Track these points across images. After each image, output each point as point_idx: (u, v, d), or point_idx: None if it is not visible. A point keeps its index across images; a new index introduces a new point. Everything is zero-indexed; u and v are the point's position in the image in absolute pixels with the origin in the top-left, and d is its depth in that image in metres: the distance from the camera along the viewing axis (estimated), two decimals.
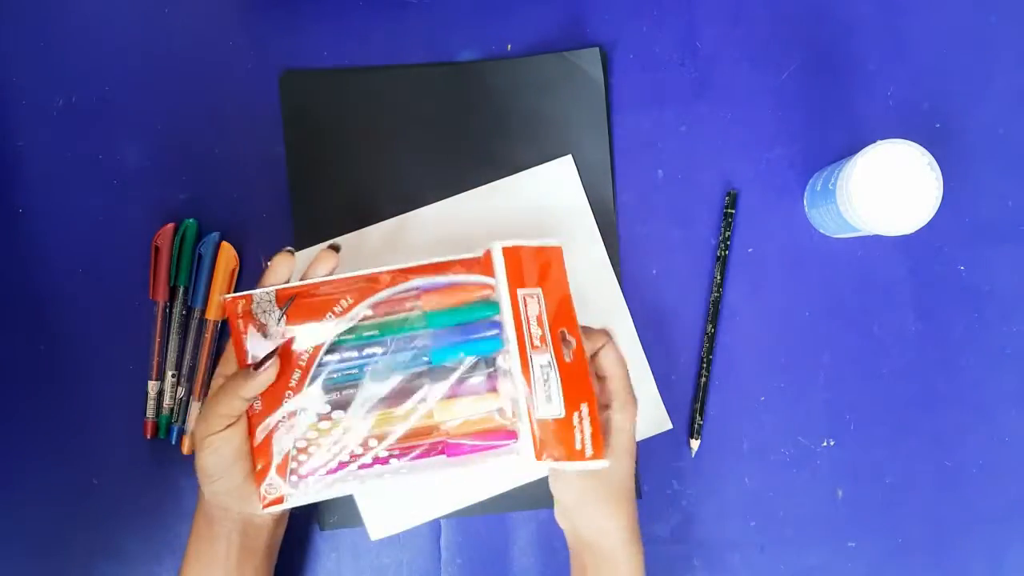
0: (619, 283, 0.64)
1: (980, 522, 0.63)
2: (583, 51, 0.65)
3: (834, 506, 0.63)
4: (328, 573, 0.64)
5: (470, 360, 0.53)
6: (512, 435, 0.53)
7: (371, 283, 0.53)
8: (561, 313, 0.53)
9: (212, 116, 0.65)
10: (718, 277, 0.64)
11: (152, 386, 0.64)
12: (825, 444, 0.64)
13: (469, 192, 0.64)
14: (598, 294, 0.64)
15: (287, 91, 0.65)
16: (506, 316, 0.51)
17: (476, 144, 0.65)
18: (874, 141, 0.55)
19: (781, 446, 0.64)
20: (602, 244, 0.64)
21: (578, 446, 0.51)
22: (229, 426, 0.52)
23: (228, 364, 0.55)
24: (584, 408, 0.51)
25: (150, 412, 0.64)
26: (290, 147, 0.65)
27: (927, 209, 0.54)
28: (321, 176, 0.65)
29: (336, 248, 0.56)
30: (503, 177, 0.64)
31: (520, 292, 0.52)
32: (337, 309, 0.53)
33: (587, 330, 0.54)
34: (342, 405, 0.53)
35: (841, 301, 0.64)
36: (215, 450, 0.52)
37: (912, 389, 0.64)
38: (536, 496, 0.63)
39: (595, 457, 0.51)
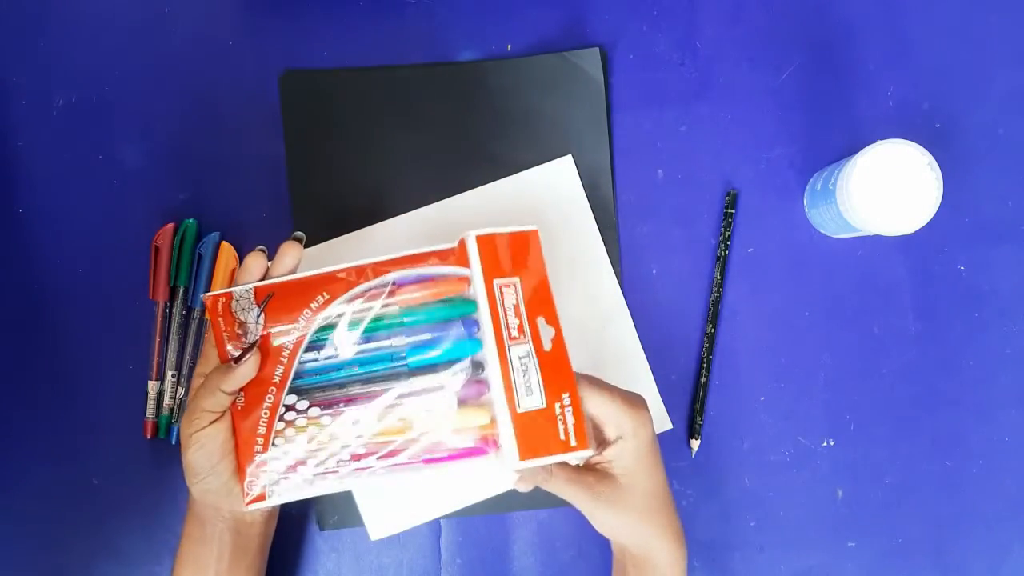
0: (619, 283, 0.64)
1: (980, 522, 0.63)
2: (583, 51, 0.65)
3: (834, 506, 0.63)
4: (328, 573, 0.64)
5: (449, 365, 0.52)
6: (493, 444, 0.51)
7: (347, 278, 0.53)
8: (539, 300, 0.52)
9: (212, 116, 0.65)
10: (718, 277, 0.64)
11: (152, 386, 0.64)
12: (825, 444, 0.64)
13: (469, 192, 0.64)
14: (598, 294, 0.64)
15: (287, 91, 0.65)
16: (482, 308, 0.51)
17: (476, 144, 0.65)
18: (874, 141, 0.55)
19: (781, 446, 0.64)
20: (602, 244, 0.64)
21: (562, 436, 0.50)
22: (213, 422, 0.52)
23: (207, 362, 0.55)
24: (566, 397, 0.50)
25: (150, 412, 0.64)
26: (290, 147, 0.65)
27: (927, 209, 0.54)
28: (321, 176, 0.65)
29: (299, 239, 0.55)
30: (503, 177, 0.64)
31: (497, 282, 0.51)
32: (314, 305, 0.53)
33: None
34: (322, 403, 0.54)
35: (841, 301, 0.64)
36: (201, 447, 0.52)
37: (912, 389, 0.64)
38: (536, 496, 0.63)
39: (580, 447, 0.50)
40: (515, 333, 0.51)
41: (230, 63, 0.65)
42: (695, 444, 0.63)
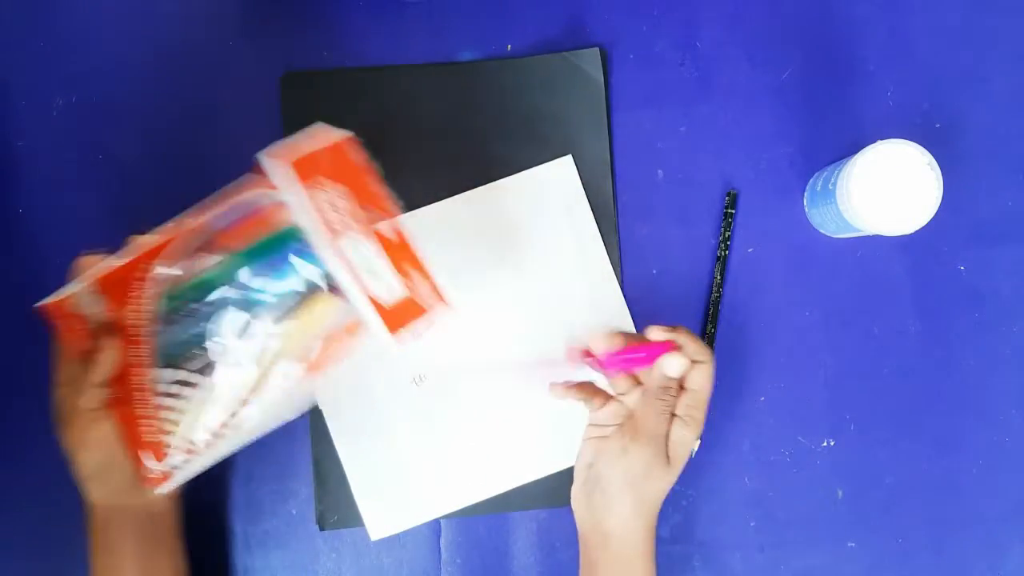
0: (620, 283, 0.64)
1: (980, 523, 0.63)
2: (583, 51, 0.65)
3: (834, 506, 0.63)
4: (328, 573, 0.64)
5: (296, 285, 0.53)
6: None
7: (169, 240, 0.54)
8: (367, 199, 0.53)
9: (212, 116, 0.65)
10: (718, 277, 0.64)
11: None
12: (825, 444, 0.64)
13: (469, 192, 0.64)
14: (598, 294, 0.64)
15: (287, 91, 0.65)
16: (308, 221, 0.51)
17: (476, 144, 0.65)
18: (874, 141, 0.55)
19: (781, 446, 0.64)
20: (602, 244, 0.64)
21: (423, 302, 0.52)
22: (96, 420, 0.52)
23: (65, 367, 0.54)
24: (415, 273, 0.52)
25: None
26: None
27: (927, 209, 0.54)
28: None
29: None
30: (503, 177, 0.64)
31: (315, 193, 0.51)
32: (144, 277, 0.54)
33: (695, 341, 0.54)
34: (196, 369, 0.54)
35: (841, 301, 0.64)
36: (90, 447, 0.52)
37: (912, 389, 0.64)
38: (536, 496, 0.63)
39: (440, 304, 0.52)
40: (345, 229, 0.51)
41: (230, 63, 0.65)
42: (695, 444, 0.63)
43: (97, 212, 0.64)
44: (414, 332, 0.52)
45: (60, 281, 0.64)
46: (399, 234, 0.53)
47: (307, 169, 0.51)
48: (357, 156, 0.53)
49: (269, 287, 0.53)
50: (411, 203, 0.64)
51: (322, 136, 0.53)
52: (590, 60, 0.65)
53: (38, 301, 0.63)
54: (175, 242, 0.54)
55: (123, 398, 0.54)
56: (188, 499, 0.64)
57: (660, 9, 0.65)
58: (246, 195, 0.54)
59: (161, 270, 0.54)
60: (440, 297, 0.53)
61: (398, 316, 0.51)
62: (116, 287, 0.54)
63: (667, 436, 0.54)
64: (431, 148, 0.65)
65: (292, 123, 0.65)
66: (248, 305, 0.54)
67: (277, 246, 0.53)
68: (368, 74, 0.65)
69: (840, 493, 0.64)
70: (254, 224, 0.54)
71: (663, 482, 0.54)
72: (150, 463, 0.53)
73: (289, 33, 0.66)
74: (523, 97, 0.65)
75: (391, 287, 0.51)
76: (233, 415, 0.54)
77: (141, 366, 0.54)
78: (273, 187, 0.52)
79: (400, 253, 0.53)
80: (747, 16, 0.65)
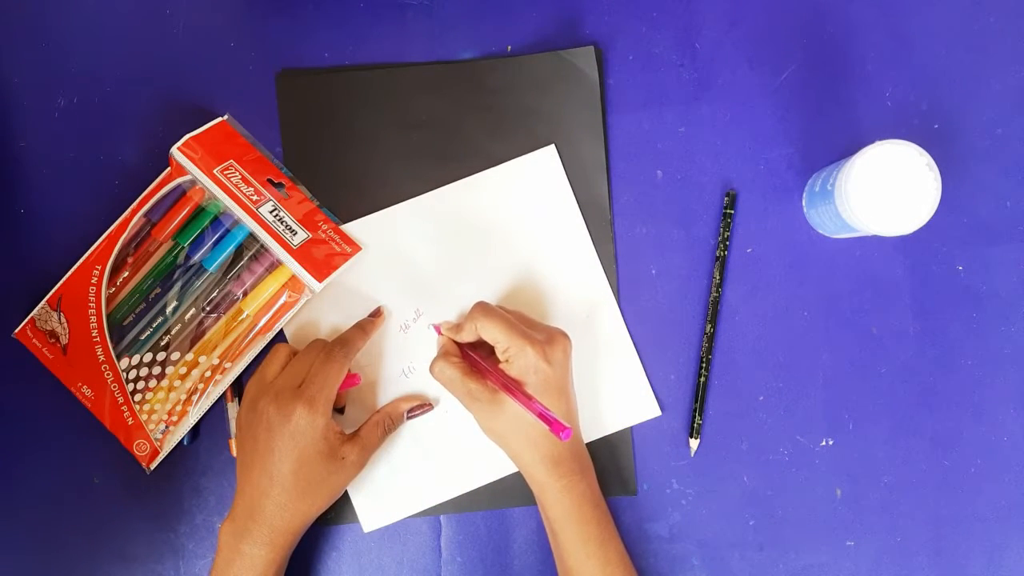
0: (615, 280, 0.64)
1: (978, 521, 0.63)
2: (578, 49, 0.65)
3: (833, 505, 0.64)
4: (328, 571, 0.64)
5: (228, 247, 0.62)
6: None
7: (109, 243, 0.61)
8: (261, 168, 0.62)
9: (213, 116, 0.65)
10: (717, 277, 0.64)
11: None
12: (824, 443, 0.64)
13: (453, 184, 0.64)
14: (583, 281, 0.64)
15: (283, 90, 0.65)
16: (220, 195, 0.60)
17: (471, 142, 0.65)
18: (873, 142, 0.55)
19: (780, 445, 0.64)
20: (586, 231, 0.64)
21: (338, 249, 0.61)
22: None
23: (346, 347, 0.60)
24: (323, 224, 0.62)
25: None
26: (287, 146, 0.65)
27: (926, 210, 0.54)
28: (316, 173, 0.65)
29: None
30: None
31: (216, 171, 0.60)
32: (93, 281, 0.61)
33: (460, 326, 0.60)
34: (163, 348, 0.62)
35: (840, 301, 0.64)
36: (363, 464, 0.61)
37: (910, 389, 0.64)
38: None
39: (354, 251, 0.62)
40: (255, 198, 0.61)
41: (231, 63, 0.66)
42: (694, 444, 0.64)
43: (97, 212, 0.64)
44: (333, 271, 0.60)
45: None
46: (295, 194, 0.63)
47: (193, 149, 0.61)
48: (236, 135, 0.63)
49: (206, 257, 0.62)
50: (404, 199, 0.64)
51: (210, 124, 0.62)
52: (585, 58, 0.65)
53: (38, 300, 0.64)
54: (109, 243, 0.61)
55: (98, 397, 0.61)
56: (188, 496, 0.64)
57: (659, 10, 0.66)
58: (168, 185, 0.62)
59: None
60: (351, 244, 0.62)
61: (321, 266, 0.60)
62: (65, 300, 0.61)
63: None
64: (426, 146, 0.65)
65: (289, 122, 0.65)
66: (192, 278, 0.62)
67: (202, 220, 0.62)
68: (362, 73, 0.65)
69: (839, 492, 0.64)
70: (181, 208, 0.62)
71: (497, 416, 0.57)
72: (139, 443, 0.61)
73: (289, 33, 0.66)
74: (519, 95, 0.65)
75: (299, 235, 0.61)
76: (197, 381, 0.62)
77: (105, 363, 0.61)
78: (184, 173, 0.61)
79: (303, 209, 0.62)
80: (746, 17, 0.65)
